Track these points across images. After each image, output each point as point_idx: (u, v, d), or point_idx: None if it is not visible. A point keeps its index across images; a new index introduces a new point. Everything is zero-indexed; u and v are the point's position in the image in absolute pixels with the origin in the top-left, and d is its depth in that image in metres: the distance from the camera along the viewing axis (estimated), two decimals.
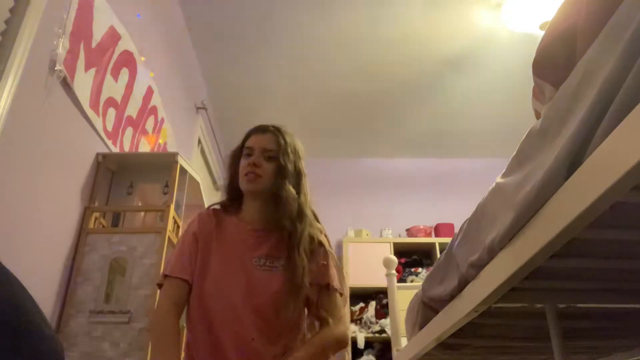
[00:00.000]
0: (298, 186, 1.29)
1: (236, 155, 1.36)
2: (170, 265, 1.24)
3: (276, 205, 1.25)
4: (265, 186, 1.27)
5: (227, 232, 1.29)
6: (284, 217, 1.23)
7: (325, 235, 1.34)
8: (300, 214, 1.25)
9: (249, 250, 1.26)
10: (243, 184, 1.29)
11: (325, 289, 1.26)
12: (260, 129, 1.35)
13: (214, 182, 4.51)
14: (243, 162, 1.30)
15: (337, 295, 1.28)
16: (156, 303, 1.21)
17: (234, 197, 1.36)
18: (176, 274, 1.21)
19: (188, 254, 1.24)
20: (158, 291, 1.27)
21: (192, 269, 1.22)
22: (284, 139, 1.31)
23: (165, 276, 1.22)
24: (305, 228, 1.25)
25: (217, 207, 1.37)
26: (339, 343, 1.23)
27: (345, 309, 1.33)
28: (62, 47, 1.69)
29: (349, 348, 3.96)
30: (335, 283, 1.28)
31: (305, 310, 1.27)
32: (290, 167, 1.28)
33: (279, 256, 1.24)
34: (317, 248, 1.28)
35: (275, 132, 1.32)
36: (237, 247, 1.26)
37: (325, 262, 1.28)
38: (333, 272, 1.29)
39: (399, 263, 4.22)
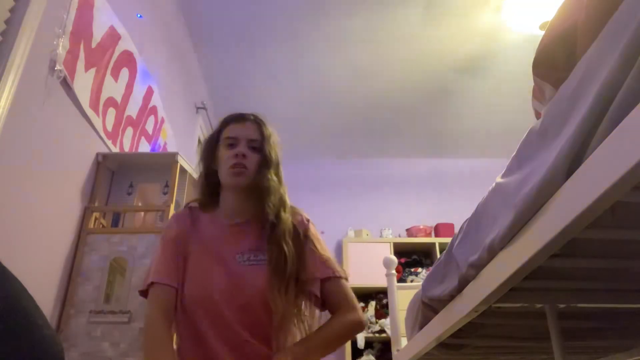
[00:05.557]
0: (277, 175, 1.23)
1: (213, 143, 1.27)
2: (153, 272, 1.15)
3: (258, 197, 1.19)
4: (250, 179, 1.20)
5: (203, 232, 1.22)
6: (268, 208, 1.16)
7: (309, 220, 1.27)
8: (284, 203, 1.20)
9: (230, 246, 1.18)
10: (228, 177, 1.20)
11: (329, 280, 1.18)
12: (241, 118, 1.27)
13: None
14: (227, 153, 1.21)
15: (343, 281, 1.19)
16: (145, 313, 1.12)
17: (209, 192, 1.27)
18: (162, 280, 1.13)
19: (171, 258, 1.17)
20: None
21: (177, 273, 1.15)
22: (267, 129, 1.26)
23: (151, 284, 1.13)
24: (289, 217, 1.20)
25: (194, 204, 1.29)
26: (351, 328, 1.16)
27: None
28: (62, 47, 1.69)
29: (349, 348, 3.97)
30: (336, 271, 1.19)
31: (316, 310, 1.19)
32: (274, 157, 1.23)
33: (262, 249, 1.16)
34: (303, 238, 1.20)
35: (257, 121, 1.27)
36: (216, 245, 1.19)
37: (317, 252, 1.20)
38: (327, 259, 1.20)
39: (399, 263, 4.22)
